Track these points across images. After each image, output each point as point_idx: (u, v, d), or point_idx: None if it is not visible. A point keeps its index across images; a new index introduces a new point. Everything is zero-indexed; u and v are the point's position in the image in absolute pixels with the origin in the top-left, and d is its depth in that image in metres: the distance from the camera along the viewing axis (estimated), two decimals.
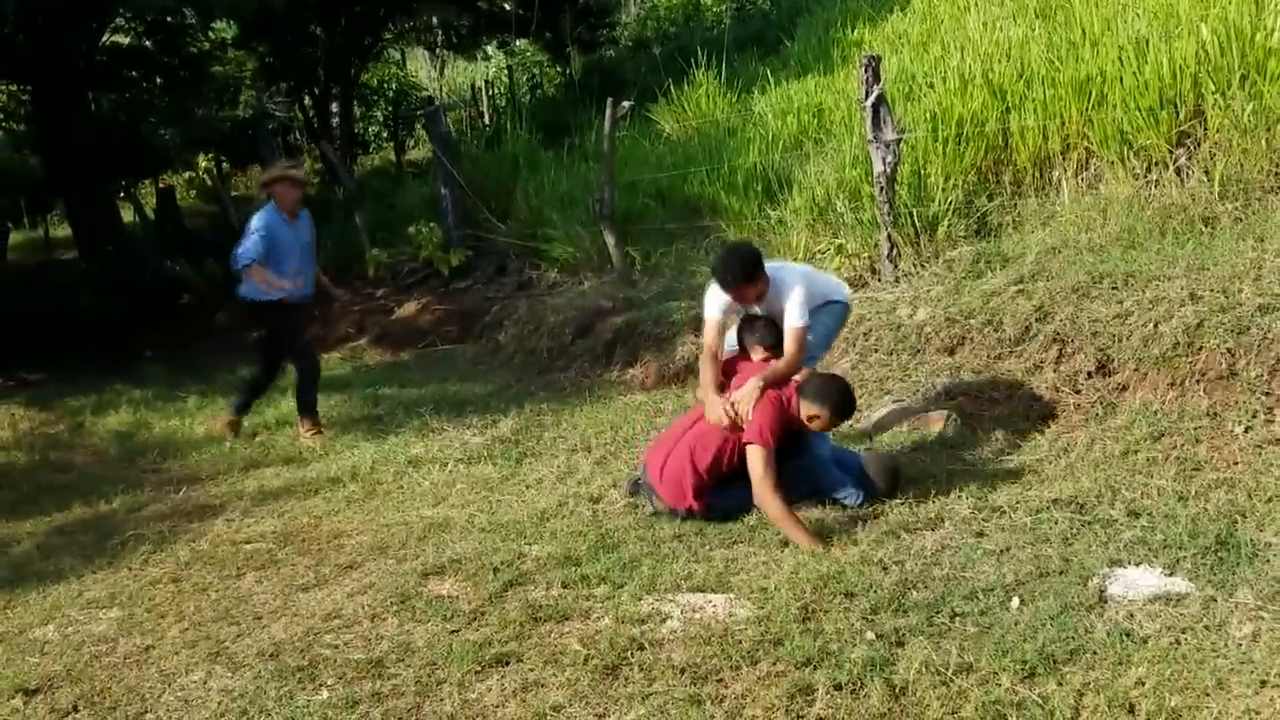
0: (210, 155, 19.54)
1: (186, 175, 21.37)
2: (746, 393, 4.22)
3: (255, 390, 6.99)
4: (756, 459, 4.06)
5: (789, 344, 4.40)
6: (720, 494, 4.33)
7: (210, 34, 14.69)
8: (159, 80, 14.27)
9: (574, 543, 4.13)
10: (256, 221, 6.34)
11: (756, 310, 4.63)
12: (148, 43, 13.78)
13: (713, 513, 4.29)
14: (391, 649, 3.38)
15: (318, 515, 5.00)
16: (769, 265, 4.56)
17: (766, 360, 4.48)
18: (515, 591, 3.75)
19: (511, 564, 3.98)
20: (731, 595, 3.54)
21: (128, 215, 17.34)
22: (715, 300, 4.60)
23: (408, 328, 10.53)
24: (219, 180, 17.84)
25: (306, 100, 17.08)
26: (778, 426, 4.14)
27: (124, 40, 14.14)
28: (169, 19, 12.96)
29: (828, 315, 4.75)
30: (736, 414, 4.20)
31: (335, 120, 17.04)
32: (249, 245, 6.26)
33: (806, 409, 4.18)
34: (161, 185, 19.18)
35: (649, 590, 3.62)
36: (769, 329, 4.52)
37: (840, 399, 4.21)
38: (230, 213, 14.80)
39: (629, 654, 3.18)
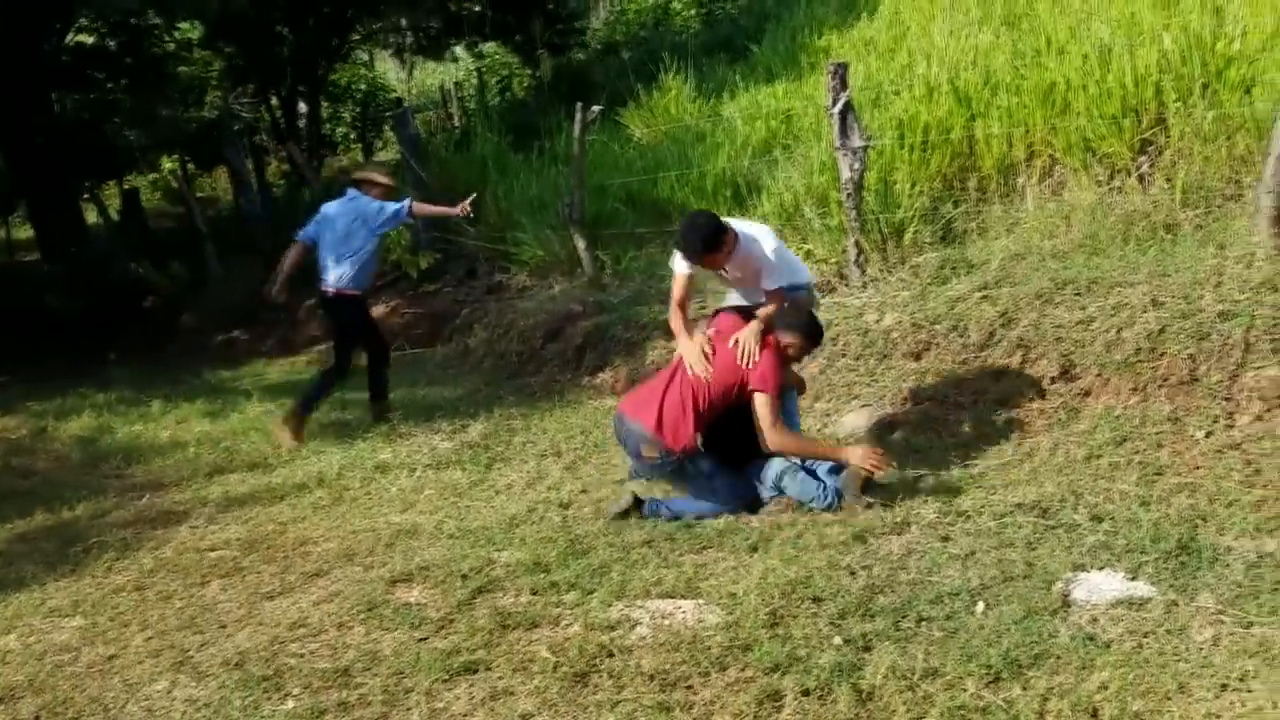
0: (175, 156, 19.34)
1: (151, 177, 21.16)
2: (751, 332, 4.37)
3: (326, 384, 6.86)
4: (764, 406, 4.27)
5: (772, 306, 4.52)
6: (683, 501, 4.48)
7: (176, 34, 14.53)
8: (123, 81, 14.12)
9: (543, 549, 4.12)
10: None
11: (725, 273, 4.71)
12: (111, 43, 13.62)
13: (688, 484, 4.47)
14: (358, 658, 3.36)
15: (284, 522, 4.97)
16: (735, 223, 4.63)
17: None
18: (484, 599, 3.74)
19: (480, 571, 3.96)
20: (700, 601, 3.54)
21: (91, 217, 17.13)
22: (683, 264, 4.71)
23: None
24: (184, 182, 17.63)
25: (273, 101, 16.96)
26: (780, 372, 4.38)
27: (88, 40, 13.97)
28: (133, 19, 12.81)
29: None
30: (743, 352, 4.33)
31: (302, 121, 16.93)
32: (399, 201, 6.62)
33: (782, 338, 4.41)
34: (126, 186, 18.97)
35: (618, 596, 3.62)
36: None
37: (809, 323, 4.49)
38: (196, 214, 14.66)
39: (598, 661, 3.18)
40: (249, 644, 3.55)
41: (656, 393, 4.45)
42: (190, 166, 20.00)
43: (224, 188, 20.21)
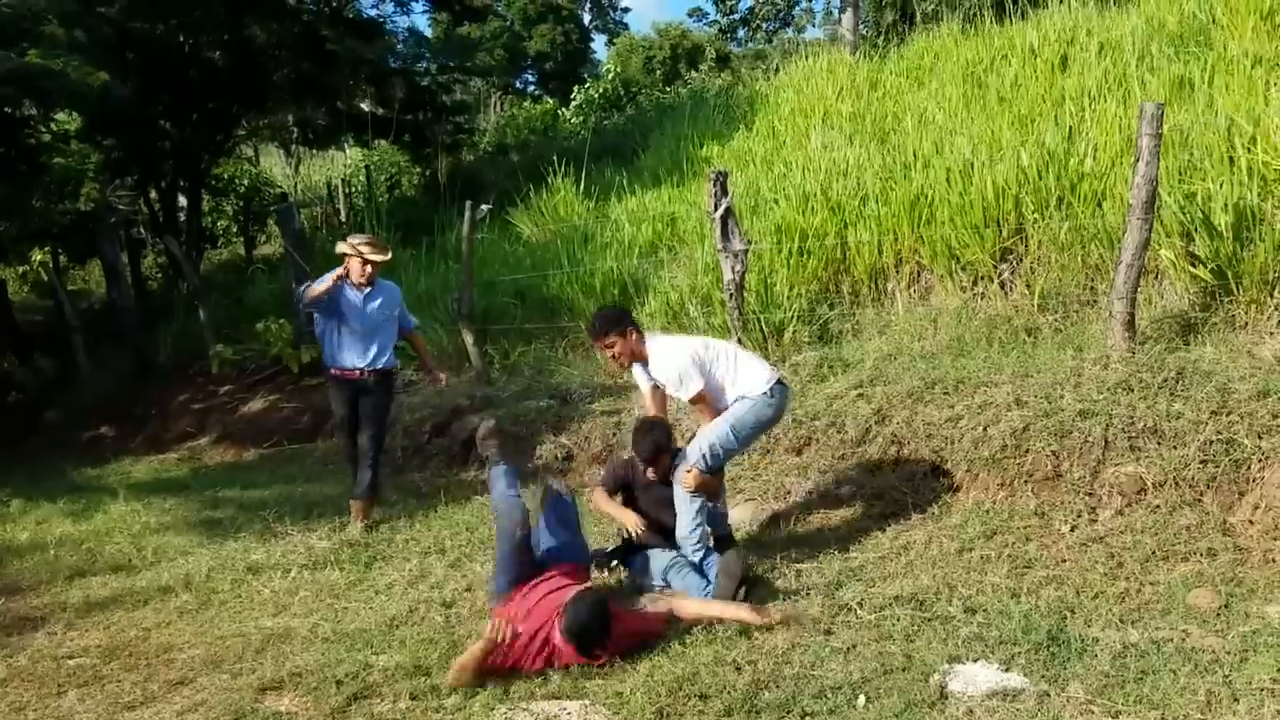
0: (46, 248, 18.65)
1: (20, 269, 20.33)
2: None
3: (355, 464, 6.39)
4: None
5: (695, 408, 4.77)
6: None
7: (53, 126, 14.16)
8: None
9: (424, 651, 4.01)
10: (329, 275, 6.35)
11: (644, 372, 4.85)
12: None
13: None
14: None
15: (147, 628, 4.72)
16: (660, 339, 4.88)
17: (650, 481, 4.73)
18: (360, 705, 3.61)
19: (357, 676, 3.83)
20: (586, 702, 3.49)
21: None
22: (640, 375, 4.91)
23: (253, 426, 10.18)
24: (55, 274, 16.99)
25: (153, 194, 16.59)
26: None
27: None
28: (7, 109, 12.44)
29: (730, 414, 4.64)
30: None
31: (182, 214, 16.58)
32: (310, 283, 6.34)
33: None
34: None
35: (502, 700, 3.54)
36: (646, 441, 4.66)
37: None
38: (66, 307, 14.13)
39: None
40: None
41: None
42: (63, 258, 19.30)
43: (97, 280, 19.52)
